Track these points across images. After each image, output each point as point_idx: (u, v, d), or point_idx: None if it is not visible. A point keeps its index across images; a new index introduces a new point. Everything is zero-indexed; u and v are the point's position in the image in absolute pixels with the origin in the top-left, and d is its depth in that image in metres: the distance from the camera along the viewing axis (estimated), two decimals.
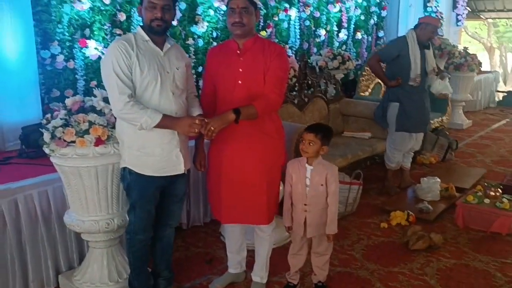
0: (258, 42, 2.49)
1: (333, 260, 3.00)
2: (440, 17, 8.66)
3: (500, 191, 3.77)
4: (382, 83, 5.88)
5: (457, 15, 9.84)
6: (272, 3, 5.45)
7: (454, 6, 9.74)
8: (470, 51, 7.44)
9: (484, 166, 5.32)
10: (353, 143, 4.46)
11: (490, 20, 14.81)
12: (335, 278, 2.90)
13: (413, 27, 4.22)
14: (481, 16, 12.33)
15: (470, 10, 10.96)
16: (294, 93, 4.35)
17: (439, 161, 5.43)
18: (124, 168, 2.38)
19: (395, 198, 4.27)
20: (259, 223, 2.61)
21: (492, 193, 3.73)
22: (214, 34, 4.77)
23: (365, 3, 7.02)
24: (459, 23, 10.01)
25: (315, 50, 6.12)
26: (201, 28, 4.57)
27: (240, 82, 2.45)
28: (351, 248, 3.33)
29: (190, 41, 4.52)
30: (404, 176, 4.53)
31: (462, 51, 7.18)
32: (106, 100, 2.42)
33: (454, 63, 6.95)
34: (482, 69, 8.03)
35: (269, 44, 2.53)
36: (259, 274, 2.76)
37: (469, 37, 17.12)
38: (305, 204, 2.57)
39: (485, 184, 3.94)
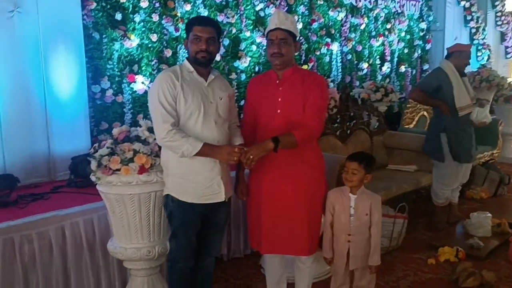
0: (297, 72, 2.52)
1: None
2: (488, 50, 8.50)
3: None
4: (427, 115, 5.77)
5: (506, 47, 9.60)
6: (314, 38, 5.53)
7: (503, 39, 9.52)
8: None
9: None
10: (398, 176, 4.33)
11: None
12: None
13: (445, 57, 4.15)
14: None
15: None
16: (336, 125, 4.31)
17: (490, 196, 5.17)
18: (167, 195, 2.42)
19: (443, 233, 4.09)
20: (300, 254, 2.58)
21: None
22: (257, 69, 4.87)
23: (408, 37, 6.99)
24: (508, 56, 9.75)
25: (357, 83, 6.10)
26: (243, 63, 4.69)
27: (279, 111, 2.48)
28: (396, 285, 3.19)
29: (233, 75, 4.63)
30: (452, 211, 4.35)
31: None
32: (150, 130, 2.49)
33: (504, 95, 6.71)
34: None
35: (309, 74, 2.58)
36: None
37: None
38: (349, 235, 2.52)
39: None
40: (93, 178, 2.50)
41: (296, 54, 2.57)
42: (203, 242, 2.53)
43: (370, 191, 2.59)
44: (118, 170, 2.41)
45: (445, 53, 4.32)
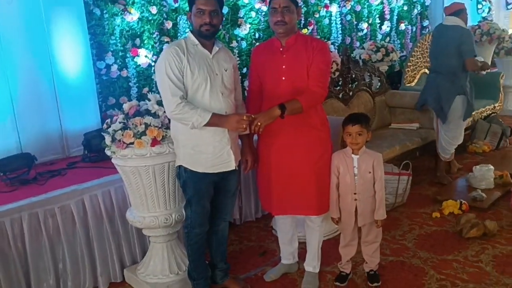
0: (300, 39, 2.56)
1: (384, 250, 3.05)
2: (488, 2, 8.40)
3: None
4: (428, 71, 5.80)
5: None
6: (313, 1, 5.51)
7: None
8: None
9: None
10: (401, 134, 4.43)
11: None
12: (387, 267, 2.93)
13: (453, 15, 4.08)
14: None
15: None
16: (338, 87, 4.36)
17: (493, 150, 5.27)
18: (180, 166, 2.50)
19: (447, 187, 4.21)
20: (309, 214, 2.68)
21: None
22: (257, 35, 4.89)
23: None
24: (509, 7, 9.61)
25: (358, 44, 6.12)
26: (243, 30, 4.71)
27: (284, 78, 2.53)
28: (403, 238, 3.33)
29: (234, 43, 4.67)
30: (453, 165, 4.53)
31: None
32: (159, 103, 2.58)
33: (504, 47, 6.70)
34: None
35: (311, 40, 2.61)
36: (312, 264, 2.83)
37: None
38: (355, 193, 2.61)
39: None
40: (108, 152, 2.60)
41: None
42: (217, 208, 2.64)
43: (371, 150, 2.67)
44: (132, 143, 2.51)
45: (439, 12, 4.27)
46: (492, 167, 4.12)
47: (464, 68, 4.01)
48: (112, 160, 2.65)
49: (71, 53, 3.44)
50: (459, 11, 4.07)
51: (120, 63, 3.87)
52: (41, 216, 2.62)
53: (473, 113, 4.39)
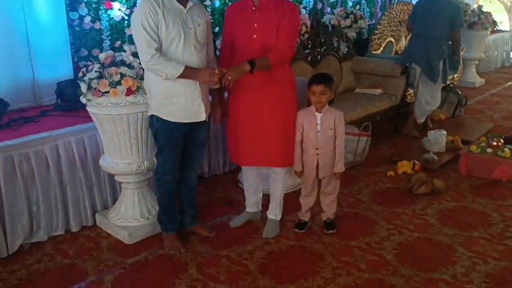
0: (271, 0, 2.68)
1: (341, 203, 3.28)
2: None
3: (502, 141, 3.97)
4: (394, 41, 6.04)
5: None
6: None
7: None
8: (491, 10, 7.41)
9: (492, 121, 5.48)
10: (364, 98, 4.66)
11: None
12: (342, 217, 3.19)
13: None
14: None
15: None
16: (307, 50, 4.51)
17: (449, 118, 5.58)
18: (152, 116, 2.62)
19: (402, 149, 4.49)
20: (273, 166, 2.87)
21: (495, 143, 3.94)
22: None
23: None
24: None
25: (328, 10, 6.23)
26: None
27: (255, 36, 2.66)
28: (359, 193, 3.59)
29: (207, 2, 4.69)
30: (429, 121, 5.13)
31: (476, 9, 7.18)
32: (135, 54, 2.66)
33: (467, 21, 6.98)
34: (503, 29, 7.96)
35: (282, 1, 2.72)
36: (274, 212, 3.04)
37: None
38: (317, 148, 2.80)
39: (488, 135, 4.13)
40: (83, 100, 2.69)
41: None
42: (186, 158, 2.77)
43: (333, 108, 2.85)
44: (107, 92, 2.60)
45: None
46: (445, 132, 4.42)
47: (449, 37, 4.56)
48: (87, 108, 2.74)
49: (43, 0, 3.42)
50: None
51: (93, 15, 3.86)
52: (16, 159, 2.71)
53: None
